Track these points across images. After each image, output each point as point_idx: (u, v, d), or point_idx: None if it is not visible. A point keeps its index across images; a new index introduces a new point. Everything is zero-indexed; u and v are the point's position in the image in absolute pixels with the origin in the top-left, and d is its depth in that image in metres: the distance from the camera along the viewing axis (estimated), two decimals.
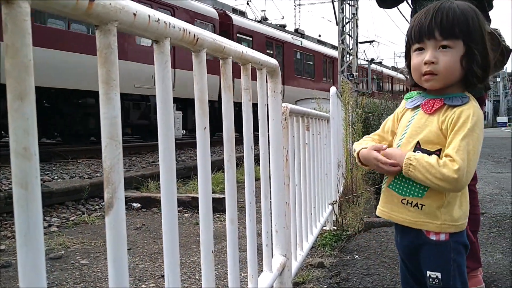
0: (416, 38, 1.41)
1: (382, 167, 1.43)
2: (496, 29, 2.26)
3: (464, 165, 1.28)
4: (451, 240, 1.38)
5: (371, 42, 32.56)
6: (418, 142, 1.40)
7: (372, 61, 29.15)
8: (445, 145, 1.35)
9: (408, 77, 1.52)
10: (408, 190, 1.42)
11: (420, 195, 1.39)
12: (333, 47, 25.10)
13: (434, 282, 1.38)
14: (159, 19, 0.88)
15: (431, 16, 1.39)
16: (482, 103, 2.43)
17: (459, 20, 1.38)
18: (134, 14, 0.79)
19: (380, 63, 29.85)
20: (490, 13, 2.42)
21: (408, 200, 1.41)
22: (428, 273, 1.40)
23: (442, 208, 1.37)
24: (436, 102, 1.41)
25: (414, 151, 1.40)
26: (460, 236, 1.40)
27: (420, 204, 1.39)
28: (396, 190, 1.44)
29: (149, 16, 0.85)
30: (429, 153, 1.37)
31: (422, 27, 1.39)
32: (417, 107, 1.47)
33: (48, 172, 7.04)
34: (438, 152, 1.36)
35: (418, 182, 1.36)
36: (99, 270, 3.18)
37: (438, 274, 1.38)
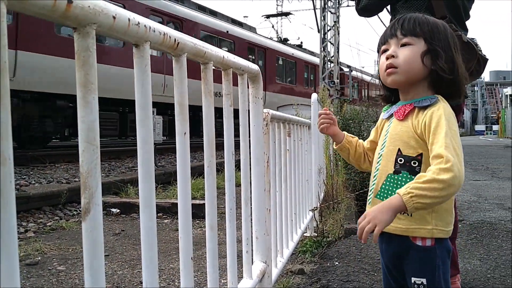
0: (382, 41, 1.50)
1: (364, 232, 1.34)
2: (473, 38, 2.30)
3: (456, 160, 1.27)
4: (436, 246, 1.38)
5: (285, 15, 26.37)
6: (399, 149, 1.42)
7: (285, 40, 24.05)
8: (424, 149, 1.37)
9: (382, 87, 1.59)
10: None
11: None
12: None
13: None
14: (139, 23, 0.87)
15: (395, 21, 1.49)
16: (460, 112, 2.46)
17: (420, 22, 1.45)
18: (114, 17, 0.78)
19: (300, 45, 24.16)
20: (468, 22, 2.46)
21: None
22: (413, 279, 1.39)
23: (432, 213, 1.37)
24: (406, 107, 1.44)
25: (396, 158, 1.42)
26: (446, 242, 1.41)
27: None
28: (384, 199, 1.42)
29: (129, 19, 0.84)
30: (411, 158, 1.39)
31: (387, 31, 1.49)
32: (391, 116, 1.50)
33: (25, 176, 6.92)
34: (419, 157, 1.38)
35: (430, 207, 1.33)
36: (76, 277, 3.12)
37: (424, 280, 1.38)
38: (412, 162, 1.39)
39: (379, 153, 1.50)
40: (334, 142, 1.68)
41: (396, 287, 1.52)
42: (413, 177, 1.37)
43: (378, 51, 1.54)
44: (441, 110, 1.36)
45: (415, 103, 1.42)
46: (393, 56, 1.43)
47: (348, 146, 1.64)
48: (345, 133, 1.67)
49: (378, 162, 1.50)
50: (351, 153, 1.64)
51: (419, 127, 1.38)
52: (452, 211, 1.42)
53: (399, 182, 1.41)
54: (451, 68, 1.41)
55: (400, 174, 1.42)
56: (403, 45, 1.43)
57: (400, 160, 1.41)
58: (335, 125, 1.65)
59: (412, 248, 1.40)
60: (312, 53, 24.19)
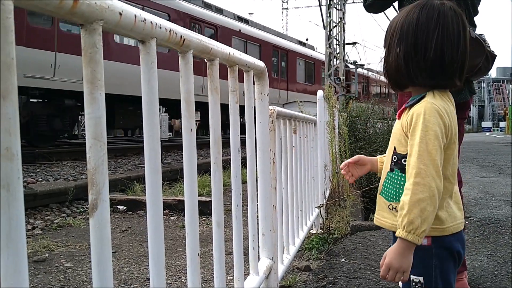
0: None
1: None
2: (481, 34, 2.28)
3: (428, 169, 1.28)
4: (433, 246, 1.37)
5: (353, 44, 27.49)
6: (394, 147, 1.44)
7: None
8: None
9: None
10: (392, 196, 1.43)
11: (398, 199, 1.39)
12: None
13: (417, 286, 1.39)
14: (145, 19, 0.87)
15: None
16: (467, 108, 2.45)
17: (389, 27, 1.45)
18: (120, 14, 0.78)
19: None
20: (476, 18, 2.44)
21: (393, 205, 1.42)
22: (412, 277, 1.39)
23: None
24: (403, 107, 1.45)
25: (392, 155, 1.44)
26: (445, 241, 1.39)
27: None
28: (385, 196, 1.47)
29: (135, 16, 0.84)
30: (402, 156, 1.40)
31: None
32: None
33: (32, 173, 6.95)
34: None
35: (432, 221, 1.31)
36: (83, 273, 3.14)
37: (421, 279, 1.38)
38: (402, 160, 1.40)
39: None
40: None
41: None
42: (403, 174, 1.37)
43: None
44: (422, 108, 1.33)
45: (409, 102, 1.42)
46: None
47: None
48: (377, 158, 1.64)
49: (383, 161, 1.53)
50: None
51: (405, 125, 1.38)
52: (444, 208, 1.38)
53: (393, 180, 1.43)
54: (397, 58, 1.39)
55: (394, 172, 1.43)
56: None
57: (394, 158, 1.43)
58: (360, 165, 1.62)
59: None
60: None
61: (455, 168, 1.41)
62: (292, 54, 20.28)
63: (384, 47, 1.46)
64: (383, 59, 1.47)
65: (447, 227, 1.38)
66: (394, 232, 1.44)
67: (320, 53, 23.35)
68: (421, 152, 1.28)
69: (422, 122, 1.31)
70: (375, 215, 1.53)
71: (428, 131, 1.30)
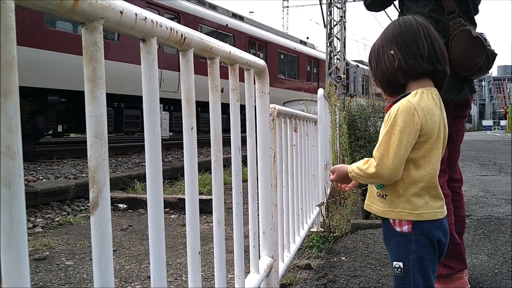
0: None
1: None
2: (482, 33, 2.28)
3: (384, 159, 1.41)
4: (413, 232, 1.45)
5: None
6: None
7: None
8: None
9: None
10: (380, 184, 1.53)
11: (382, 186, 1.51)
12: None
13: (397, 272, 1.47)
14: (146, 18, 0.87)
15: None
16: (467, 106, 2.45)
17: (375, 45, 1.59)
18: (121, 12, 0.78)
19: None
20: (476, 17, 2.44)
21: (379, 192, 1.53)
22: (394, 263, 1.48)
23: (400, 197, 1.47)
24: (389, 104, 1.54)
25: None
26: (425, 229, 1.46)
27: (384, 194, 1.51)
28: (374, 184, 1.56)
29: (136, 14, 0.84)
30: None
31: None
32: None
33: (33, 172, 6.96)
34: None
35: (357, 179, 1.54)
36: (84, 271, 3.15)
37: (401, 264, 1.46)
38: None
39: None
40: None
41: None
42: None
43: None
44: (398, 106, 1.44)
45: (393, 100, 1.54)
46: None
47: None
48: None
49: None
50: None
51: (385, 121, 1.48)
52: (420, 195, 1.47)
53: None
54: (377, 69, 1.56)
55: None
56: None
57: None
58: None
59: (393, 234, 1.49)
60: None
61: (433, 160, 1.49)
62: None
63: (371, 62, 1.60)
64: (372, 74, 1.60)
65: (422, 213, 1.47)
66: (382, 218, 1.55)
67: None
68: (384, 143, 1.42)
69: (393, 117, 1.43)
70: (365, 201, 1.63)
71: (395, 126, 1.42)
